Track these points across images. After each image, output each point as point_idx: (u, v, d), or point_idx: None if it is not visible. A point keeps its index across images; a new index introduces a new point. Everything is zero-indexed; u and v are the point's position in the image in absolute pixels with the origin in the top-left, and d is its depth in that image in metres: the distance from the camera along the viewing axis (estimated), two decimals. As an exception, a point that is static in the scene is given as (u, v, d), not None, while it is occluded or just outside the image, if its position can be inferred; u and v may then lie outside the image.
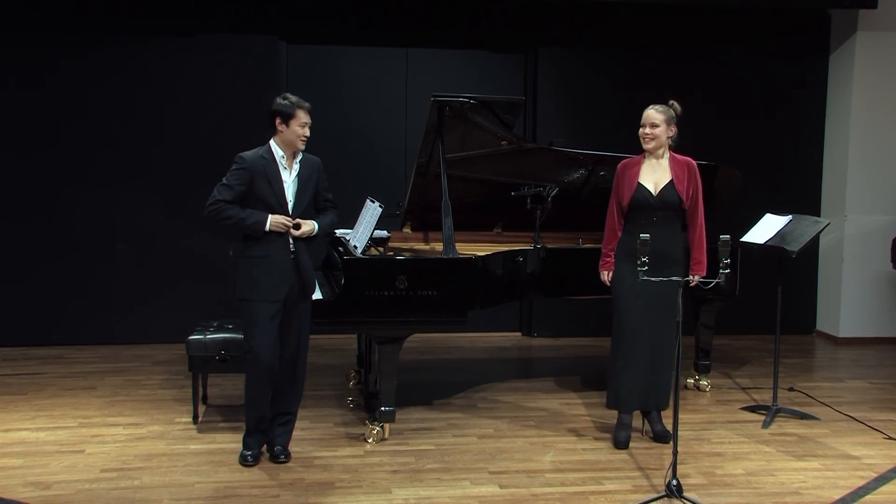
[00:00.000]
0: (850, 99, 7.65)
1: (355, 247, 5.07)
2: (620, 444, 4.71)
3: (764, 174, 7.59)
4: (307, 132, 4.33)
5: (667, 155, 4.69)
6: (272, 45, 7.30)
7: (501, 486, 4.19)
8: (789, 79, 7.87)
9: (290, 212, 4.32)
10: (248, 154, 4.32)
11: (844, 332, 7.74)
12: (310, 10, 7.39)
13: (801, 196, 7.77)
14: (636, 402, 4.77)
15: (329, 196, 4.56)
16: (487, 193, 5.80)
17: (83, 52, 7.01)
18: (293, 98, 4.32)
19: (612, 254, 4.76)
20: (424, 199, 5.52)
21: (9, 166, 6.98)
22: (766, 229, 5.50)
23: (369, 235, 5.07)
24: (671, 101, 4.72)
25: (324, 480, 4.22)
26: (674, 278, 4.14)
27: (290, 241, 4.33)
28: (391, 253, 5.58)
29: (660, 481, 4.19)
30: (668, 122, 4.64)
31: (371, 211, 5.17)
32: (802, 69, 7.89)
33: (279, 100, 4.32)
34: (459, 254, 4.88)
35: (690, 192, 4.64)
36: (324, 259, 5.83)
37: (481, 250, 5.23)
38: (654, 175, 4.65)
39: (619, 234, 4.74)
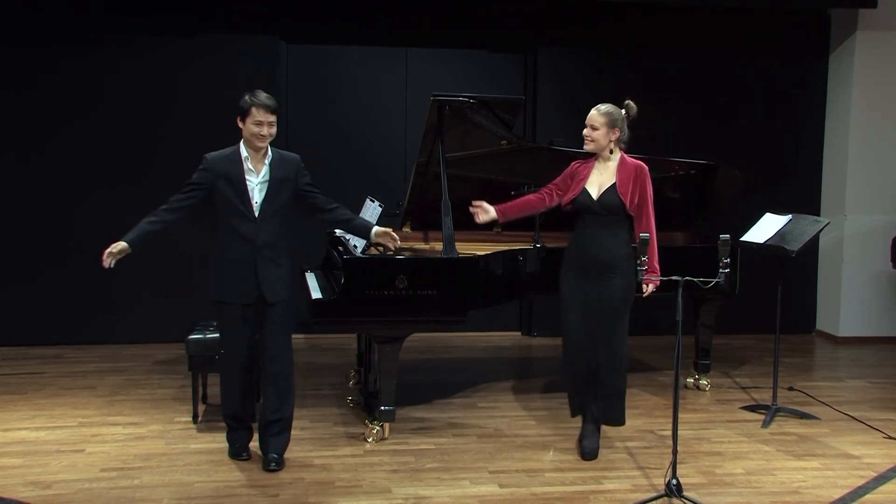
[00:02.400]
0: (849, 98, 7.65)
1: (355, 246, 5.07)
2: (587, 454, 4.55)
3: (764, 174, 7.59)
4: (264, 131, 4.17)
5: (616, 157, 4.51)
6: (272, 44, 7.30)
7: (501, 486, 4.19)
8: (789, 78, 7.87)
9: (257, 214, 4.22)
10: (213, 154, 4.27)
11: (844, 331, 7.75)
12: (309, 10, 7.39)
13: (801, 195, 7.77)
14: (589, 410, 4.63)
15: (315, 191, 4.39)
16: (487, 193, 5.77)
17: (82, 53, 7.00)
18: (255, 95, 4.19)
19: (504, 210, 4.72)
20: (424, 198, 5.51)
21: (8, 166, 6.98)
22: (765, 229, 5.50)
23: (369, 235, 5.06)
24: (626, 101, 4.54)
25: (323, 480, 4.22)
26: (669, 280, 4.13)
27: (255, 248, 4.22)
28: (391, 252, 5.58)
29: (659, 481, 4.19)
30: (609, 125, 4.43)
31: (371, 210, 5.17)
32: (802, 69, 7.89)
33: (245, 96, 4.22)
34: (459, 253, 4.88)
35: (635, 198, 4.44)
36: (323, 258, 5.84)
37: (481, 250, 5.23)
38: (600, 178, 4.50)
39: (536, 209, 4.75)
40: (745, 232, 5.61)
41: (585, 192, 4.50)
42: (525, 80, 7.77)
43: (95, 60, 7.03)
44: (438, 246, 5.16)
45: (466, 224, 5.61)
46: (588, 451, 4.57)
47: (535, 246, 5.35)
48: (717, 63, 7.75)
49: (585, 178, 4.54)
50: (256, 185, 4.24)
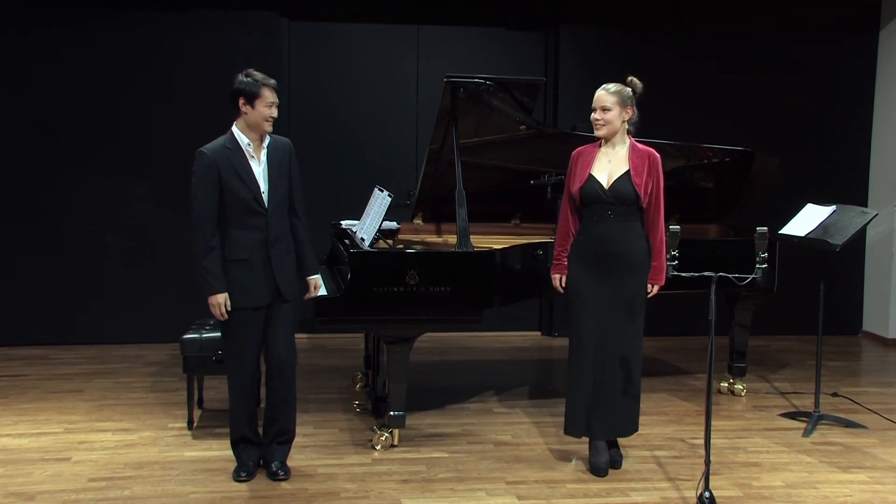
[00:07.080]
0: (900, 78, 7.62)
1: (362, 239, 5.08)
2: (600, 471, 4.47)
3: (805, 160, 7.55)
4: (274, 112, 4.19)
5: (626, 143, 4.44)
6: (272, 21, 7.31)
7: (519, 498, 4.19)
8: (834, 55, 7.82)
9: (266, 204, 4.19)
10: (208, 147, 4.20)
11: (894, 332, 7.71)
12: (313, -16, 7.41)
13: (846, 184, 7.73)
14: (587, 425, 4.49)
15: (297, 186, 4.34)
16: (504, 182, 5.79)
17: (71, 33, 7.02)
18: (257, 75, 4.16)
19: (565, 255, 4.54)
20: (437, 187, 5.52)
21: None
22: (807, 221, 5.47)
23: (377, 227, 5.07)
24: (630, 78, 4.48)
25: (328, 490, 4.24)
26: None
27: (268, 244, 4.22)
28: (401, 246, 5.59)
29: (691, 493, 4.18)
30: (622, 105, 4.38)
31: (379, 200, 5.18)
32: (849, 44, 7.83)
33: (241, 77, 4.17)
34: (474, 247, 4.89)
35: (649, 187, 4.37)
36: (329, 252, 5.85)
37: (498, 243, 5.24)
38: (609, 165, 4.41)
39: (574, 233, 4.52)
40: (785, 224, 5.59)
41: (593, 179, 4.39)
42: (546, 61, 7.76)
43: (83, 40, 7.04)
44: (452, 239, 5.17)
45: (482, 215, 5.63)
46: (604, 466, 4.49)
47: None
48: (753, 40, 7.71)
49: (590, 163, 4.44)
50: (261, 173, 4.23)
